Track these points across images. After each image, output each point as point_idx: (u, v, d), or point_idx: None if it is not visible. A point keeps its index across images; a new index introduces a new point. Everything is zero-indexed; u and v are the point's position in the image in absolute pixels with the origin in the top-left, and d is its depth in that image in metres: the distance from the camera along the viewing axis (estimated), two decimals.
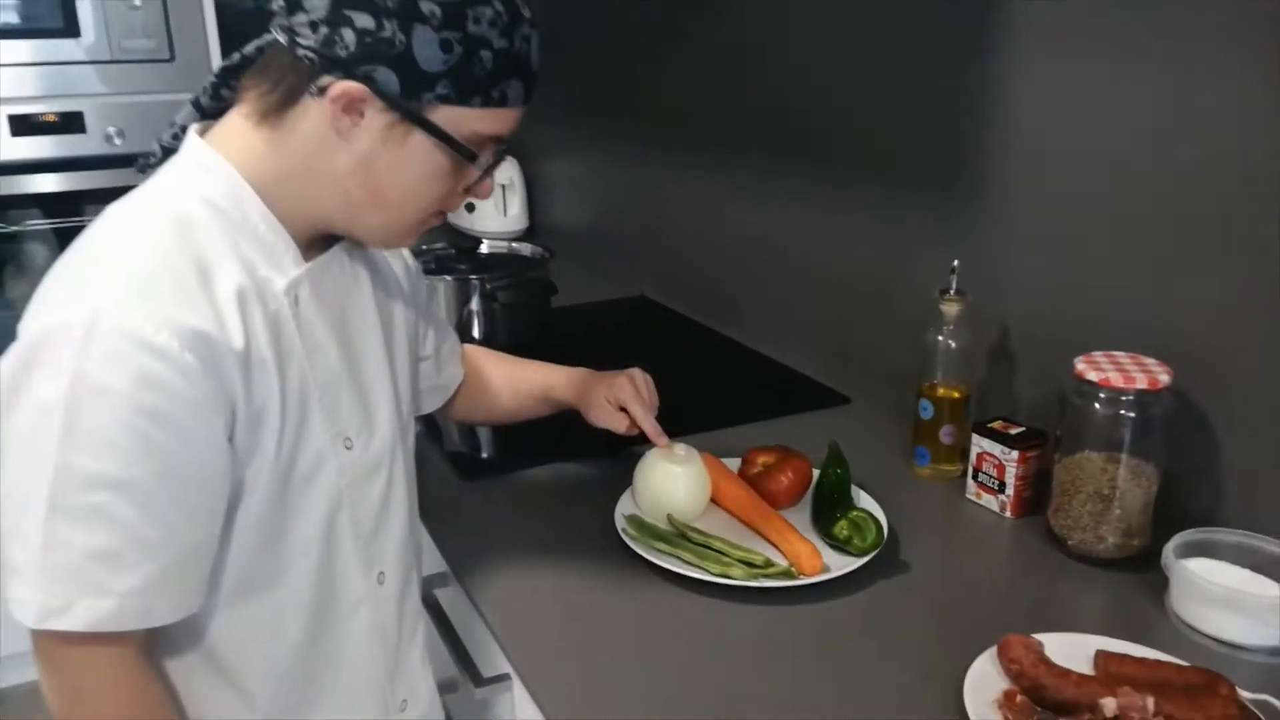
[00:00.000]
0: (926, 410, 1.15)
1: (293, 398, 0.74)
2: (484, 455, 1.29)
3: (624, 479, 1.09)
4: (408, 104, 0.71)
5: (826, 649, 0.86)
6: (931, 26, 1.22)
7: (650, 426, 1.05)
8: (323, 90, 0.70)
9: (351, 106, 0.70)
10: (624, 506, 1.06)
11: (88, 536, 0.66)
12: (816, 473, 1.09)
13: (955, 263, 1.11)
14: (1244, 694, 0.74)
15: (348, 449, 0.80)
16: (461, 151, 0.73)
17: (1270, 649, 0.84)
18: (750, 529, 1.04)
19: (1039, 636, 0.81)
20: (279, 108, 0.72)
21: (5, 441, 0.67)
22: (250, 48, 0.75)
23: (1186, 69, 0.94)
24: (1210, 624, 0.86)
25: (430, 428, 1.28)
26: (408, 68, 0.69)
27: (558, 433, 1.16)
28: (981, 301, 1.14)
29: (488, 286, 1.46)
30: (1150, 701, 0.71)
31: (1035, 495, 1.06)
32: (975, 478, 1.10)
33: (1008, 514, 1.07)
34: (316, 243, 0.80)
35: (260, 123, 0.74)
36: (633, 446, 1.12)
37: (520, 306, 1.50)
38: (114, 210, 0.73)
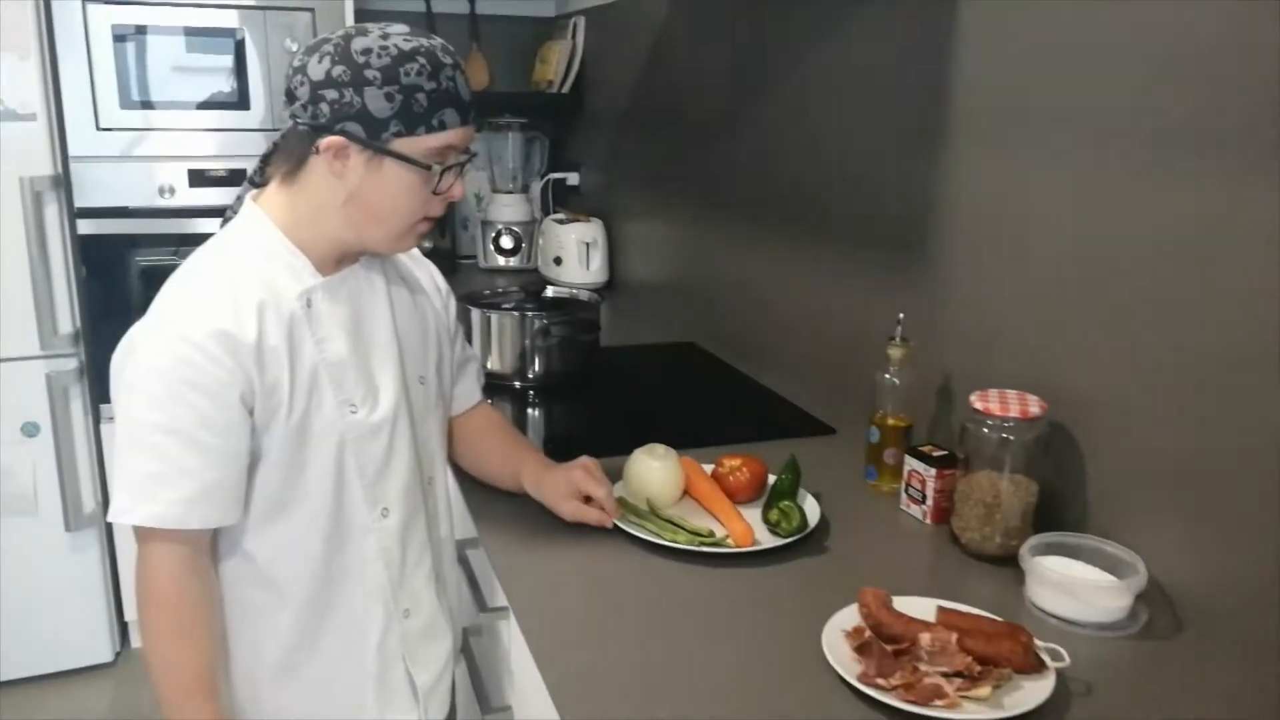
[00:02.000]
0: (874, 436, 1.39)
1: (303, 374, 1.04)
2: None
3: (617, 473, 1.37)
4: (374, 143, 1.00)
5: (744, 600, 1.11)
6: (900, 126, 1.49)
7: (611, 507, 1.26)
8: (319, 148, 1.00)
9: (339, 154, 1.00)
10: (616, 491, 1.33)
11: (145, 463, 0.99)
12: (773, 477, 1.35)
13: (900, 315, 1.37)
14: (1040, 643, 0.96)
15: (353, 413, 1.08)
16: (421, 165, 1.02)
17: (1098, 625, 1.05)
18: (709, 513, 1.30)
19: (904, 598, 1.05)
20: (295, 170, 1.04)
21: (114, 408, 1.02)
22: (277, 138, 1.06)
23: (1075, 172, 1.18)
24: (1053, 605, 1.08)
25: None
26: (367, 118, 0.99)
27: (570, 437, 1.44)
28: (925, 348, 1.39)
29: (542, 322, 1.78)
30: (954, 637, 0.94)
31: (949, 506, 1.28)
32: (906, 491, 1.33)
33: (928, 520, 1.30)
34: (343, 263, 1.10)
35: (284, 184, 1.06)
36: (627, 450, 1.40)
37: (569, 341, 1.81)
38: (193, 254, 1.07)
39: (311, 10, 2.45)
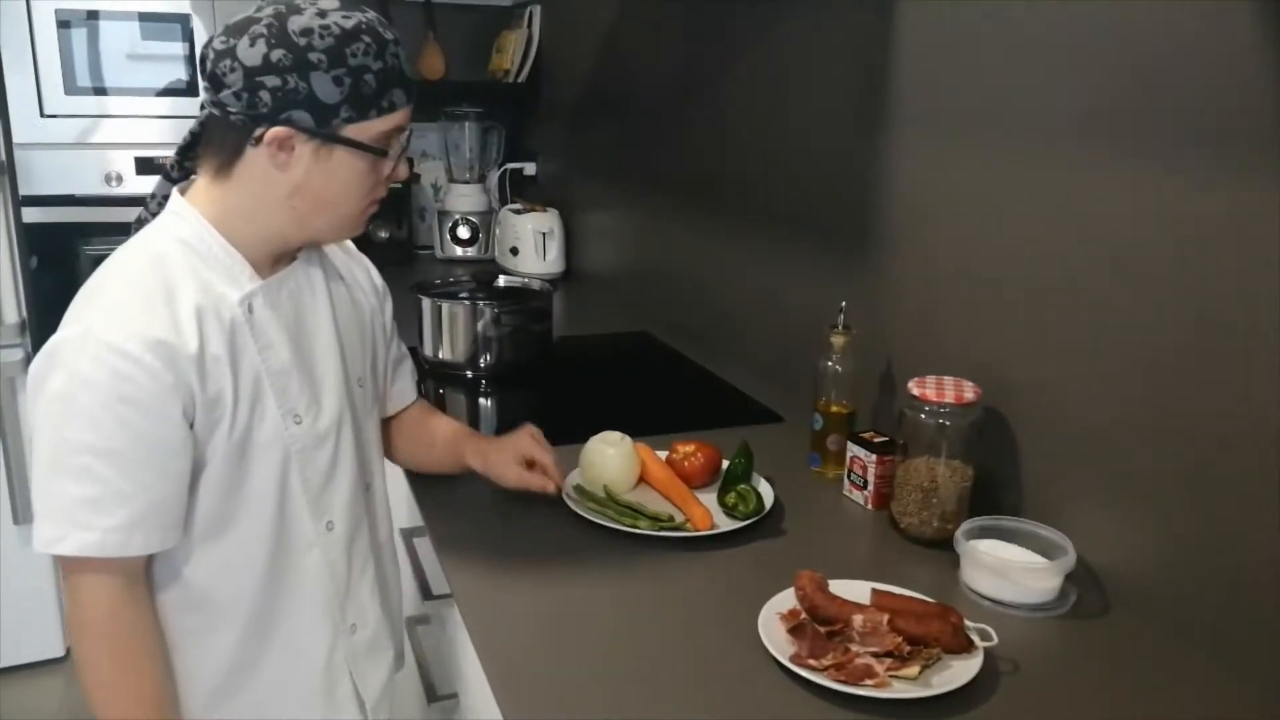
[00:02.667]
0: (818, 423, 1.41)
1: (246, 384, 0.97)
2: None
3: (573, 460, 1.37)
4: (323, 131, 0.93)
5: (701, 582, 1.13)
6: (842, 116, 1.51)
7: (556, 473, 1.26)
8: (259, 140, 0.93)
9: (283, 145, 0.93)
10: (571, 479, 1.34)
11: (77, 488, 0.90)
12: (726, 462, 1.37)
13: (843, 303, 1.38)
14: (970, 624, 0.98)
15: (297, 424, 1.02)
16: (374, 152, 0.97)
17: (1029, 605, 1.08)
18: (666, 499, 1.31)
19: (842, 580, 1.07)
20: (229, 163, 0.96)
21: (34, 424, 0.93)
22: (194, 126, 0.98)
23: (1010, 164, 1.20)
24: (986, 587, 1.10)
25: None
26: (315, 105, 0.92)
27: (539, 422, 1.42)
28: (868, 335, 1.41)
29: (493, 310, 1.78)
30: (885, 617, 0.96)
31: (890, 492, 1.30)
32: (849, 477, 1.35)
33: (869, 506, 1.32)
34: (280, 261, 1.04)
35: (215, 178, 0.98)
36: (582, 437, 1.40)
37: (521, 330, 1.81)
38: (114, 253, 0.99)
39: None
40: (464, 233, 3.01)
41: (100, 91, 2.36)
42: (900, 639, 0.95)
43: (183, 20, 2.37)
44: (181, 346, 0.92)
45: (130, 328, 0.90)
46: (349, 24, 0.94)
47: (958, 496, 1.20)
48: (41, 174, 2.33)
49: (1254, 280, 0.93)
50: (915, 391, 1.21)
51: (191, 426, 0.95)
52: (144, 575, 0.99)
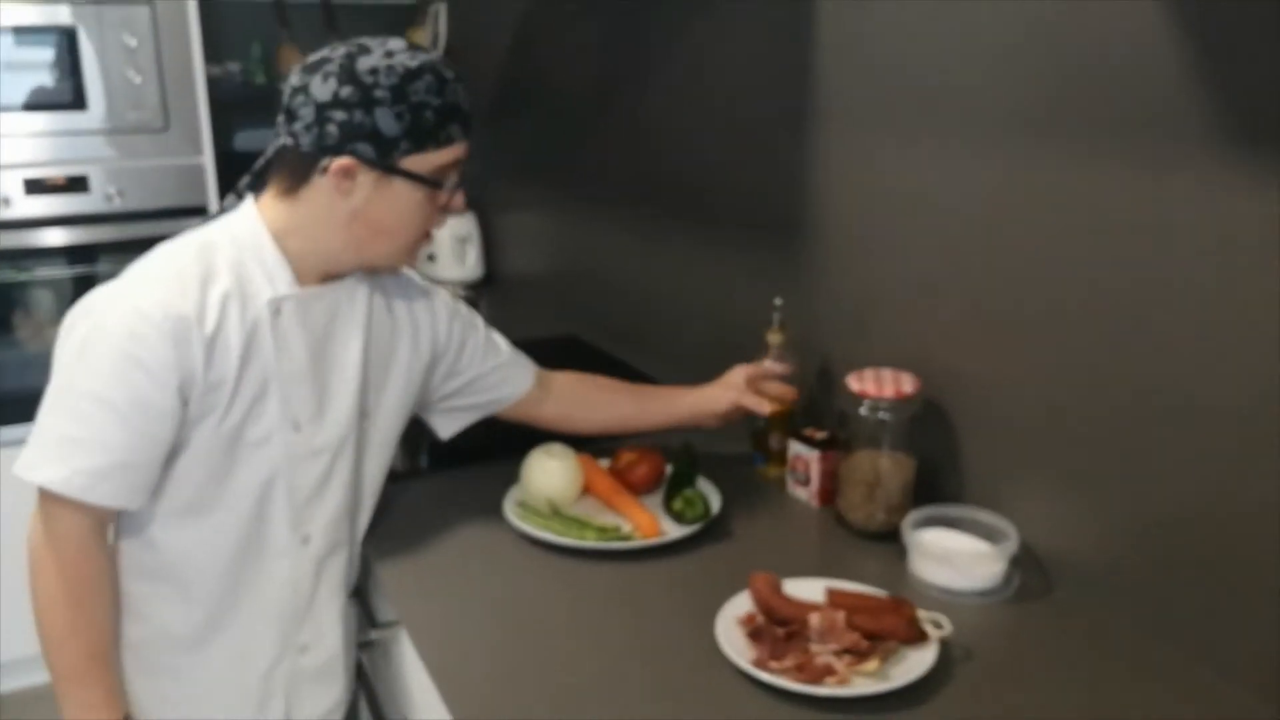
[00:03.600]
0: (760, 422, 1.42)
1: (252, 379, 1.02)
2: (419, 463, 1.53)
3: (514, 476, 1.34)
4: (385, 162, 1.00)
5: (652, 591, 1.12)
6: (768, 112, 1.51)
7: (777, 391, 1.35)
8: (325, 169, 1.00)
9: (347, 175, 1.00)
10: (513, 495, 1.32)
11: (67, 426, 0.97)
12: (670, 467, 1.36)
13: (777, 301, 1.39)
14: (922, 613, 0.99)
15: (296, 431, 1.06)
16: (431, 183, 1.03)
17: (976, 591, 1.10)
18: (612, 509, 1.30)
19: (795, 579, 1.07)
20: (295, 187, 1.03)
21: (54, 363, 0.99)
22: (269, 153, 1.06)
23: (938, 155, 1.22)
24: (934, 576, 1.12)
25: None
26: (378, 138, 0.99)
27: (455, 441, 1.40)
28: (805, 332, 1.42)
29: None
30: (842, 615, 0.97)
31: (835, 488, 1.31)
32: (792, 475, 1.36)
33: (815, 502, 1.33)
34: (329, 278, 1.09)
35: (282, 197, 1.05)
36: (520, 453, 1.38)
37: None
38: (183, 234, 1.06)
39: (150, 3, 2.31)
40: None
41: None
42: (858, 635, 0.96)
43: (67, 33, 2.24)
44: (198, 325, 0.98)
45: (156, 296, 0.97)
46: (413, 63, 1.00)
47: (902, 488, 1.22)
48: None
49: (1175, 266, 0.96)
50: (855, 386, 1.22)
51: (186, 404, 0.99)
52: (107, 528, 1.05)
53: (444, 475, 1.45)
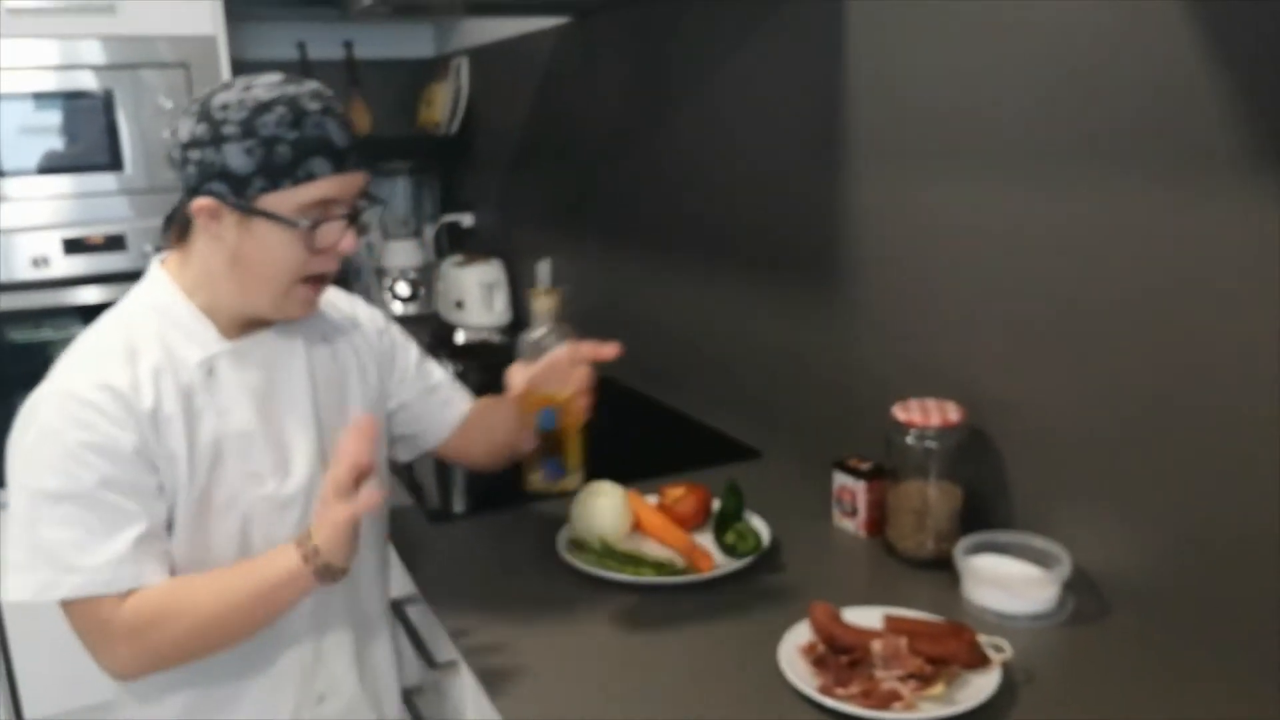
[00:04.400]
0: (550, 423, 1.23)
1: (203, 444, 1.00)
2: (452, 504, 1.57)
3: (564, 515, 1.36)
4: (241, 201, 0.96)
5: (710, 624, 1.13)
6: (801, 149, 1.55)
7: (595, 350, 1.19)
8: (193, 212, 0.97)
9: (212, 216, 0.97)
10: (564, 534, 1.34)
11: (57, 533, 0.93)
12: (718, 501, 1.38)
13: (545, 259, 1.32)
14: (982, 638, 1.00)
15: (260, 486, 1.04)
16: (290, 223, 0.97)
17: (1030, 615, 1.11)
18: (662, 544, 1.31)
19: (851, 608, 1.09)
20: (183, 233, 1.03)
21: (8, 482, 0.96)
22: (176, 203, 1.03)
23: (979, 188, 1.25)
24: (988, 600, 1.13)
25: (413, 491, 1.57)
26: (229, 176, 0.95)
27: (498, 480, 1.42)
28: (842, 363, 1.44)
29: (459, 369, 1.77)
30: (904, 641, 0.98)
31: (882, 517, 1.33)
32: (837, 505, 1.38)
33: (861, 533, 1.34)
34: (256, 326, 1.05)
35: (178, 250, 1.04)
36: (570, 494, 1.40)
37: (485, 385, 1.80)
38: (98, 320, 1.04)
39: (186, 66, 2.38)
40: (403, 290, 2.98)
41: (21, 173, 2.28)
42: (921, 660, 0.97)
43: (104, 97, 2.31)
44: (137, 401, 0.96)
45: (88, 377, 0.96)
46: (268, 96, 0.96)
47: (950, 516, 1.24)
48: None
49: (1218, 289, 0.98)
50: (901, 416, 1.24)
51: (157, 472, 0.98)
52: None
53: (483, 518, 1.47)
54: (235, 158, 0.95)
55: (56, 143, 2.30)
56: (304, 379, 1.10)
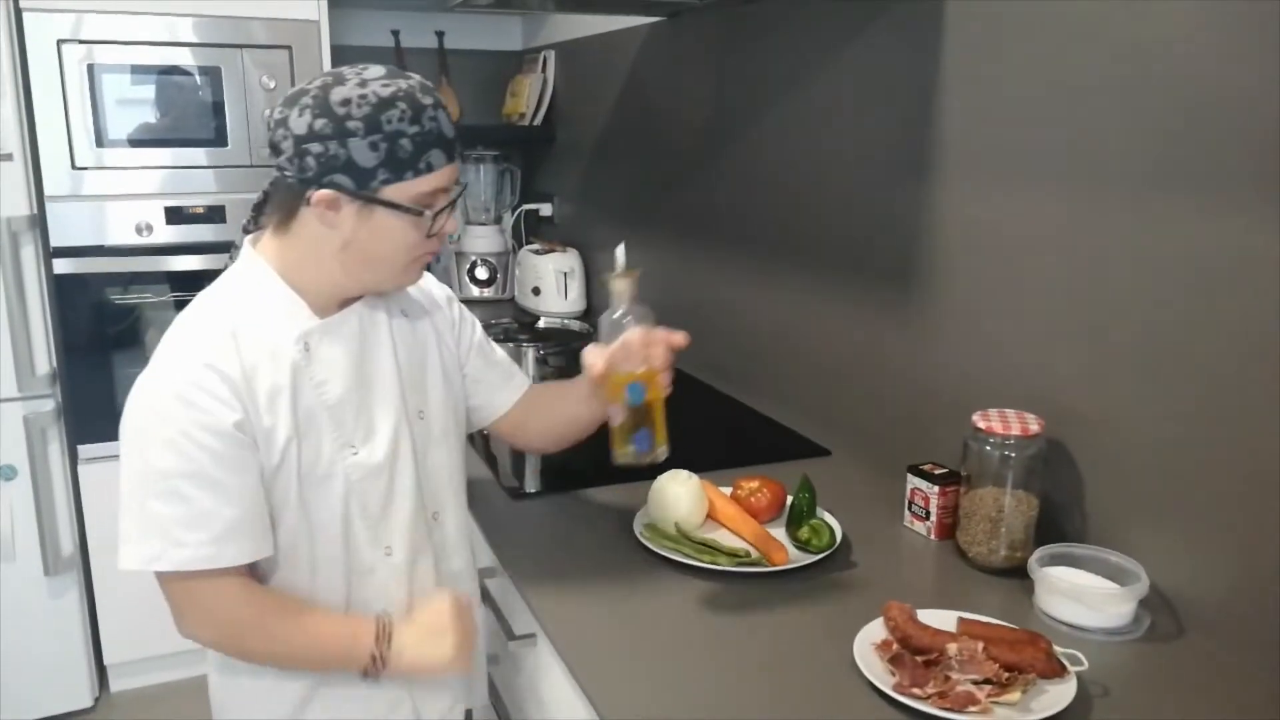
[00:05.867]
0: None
1: (303, 416, 1.05)
2: (529, 484, 1.61)
3: (641, 499, 1.41)
4: (363, 193, 1.00)
5: (784, 616, 1.16)
6: (888, 157, 1.56)
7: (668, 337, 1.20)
8: (309, 201, 1.01)
9: (330, 206, 1.01)
10: (640, 519, 1.38)
11: (167, 509, 0.99)
12: (791, 497, 1.40)
13: (621, 243, 1.29)
14: (1058, 649, 1.02)
15: (354, 454, 1.09)
16: (411, 212, 1.03)
17: (1105, 630, 1.12)
18: (737, 534, 1.35)
19: (924, 610, 1.11)
20: (287, 220, 1.05)
21: (121, 455, 1.02)
22: (265, 187, 1.09)
23: (1065, 203, 1.26)
24: (1062, 612, 1.14)
25: (490, 464, 1.62)
26: (354, 169, 0.99)
27: (591, 464, 1.47)
28: (918, 369, 1.45)
29: (540, 352, 1.82)
30: (980, 646, 1.00)
31: (953, 522, 1.34)
32: (909, 508, 1.39)
33: (932, 536, 1.36)
34: (345, 303, 1.10)
35: (277, 232, 1.07)
36: (649, 478, 1.43)
37: (565, 370, 1.85)
38: (195, 299, 1.09)
39: (289, 48, 2.46)
40: (482, 274, 3.05)
41: (130, 143, 2.38)
42: (997, 665, 0.98)
43: (213, 73, 2.41)
44: (240, 380, 1.01)
45: (194, 359, 1.00)
46: (386, 91, 1.00)
47: (1024, 525, 1.25)
48: (72, 226, 2.35)
49: None
50: (980, 424, 1.25)
51: (257, 449, 1.02)
52: (250, 575, 1.07)
53: (558, 497, 1.52)
54: (360, 152, 0.99)
55: (161, 116, 2.40)
56: (389, 351, 1.15)
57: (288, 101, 1.02)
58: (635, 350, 1.19)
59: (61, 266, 2.35)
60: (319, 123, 0.99)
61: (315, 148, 0.99)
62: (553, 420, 1.36)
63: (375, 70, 1.02)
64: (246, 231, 1.14)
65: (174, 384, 0.99)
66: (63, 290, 2.35)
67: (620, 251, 1.27)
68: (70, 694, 2.49)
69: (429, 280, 1.29)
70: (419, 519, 1.17)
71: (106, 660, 2.56)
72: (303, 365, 1.06)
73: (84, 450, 2.42)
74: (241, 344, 1.02)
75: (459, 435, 1.27)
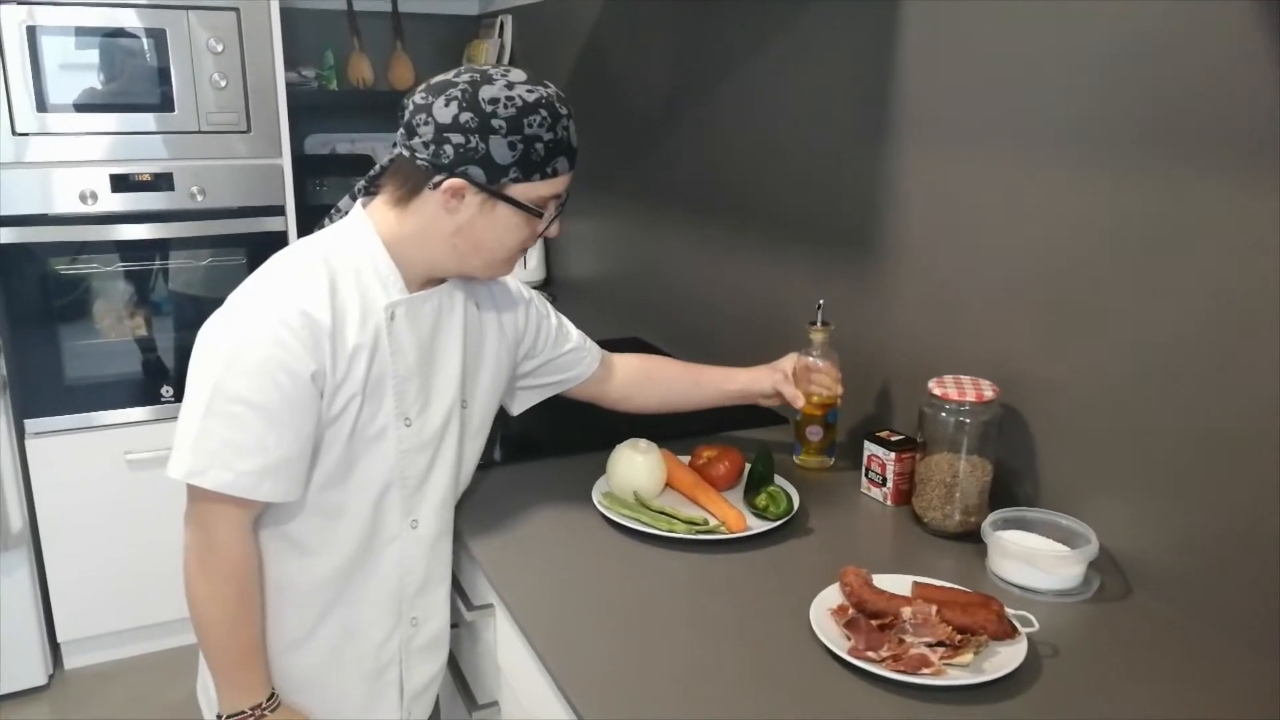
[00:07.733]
0: (798, 414, 1.48)
1: (373, 378, 1.10)
2: (492, 452, 1.60)
3: (601, 469, 1.40)
4: (492, 187, 1.07)
5: (740, 582, 1.16)
6: (845, 125, 1.56)
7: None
8: (437, 185, 1.06)
9: (456, 194, 1.07)
10: (599, 487, 1.38)
11: (226, 431, 1.02)
12: (749, 464, 1.41)
13: (820, 301, 1.45)
14: (1009, 610, 1.03)
15: (407, 426, 1.14)
16: (533, 211, 1.10)
17: (1056, 591, 1.14)
18: (694, 502, 1.35)
19: (880, 575, 1.12)
20: (407, 197, 1.10)
21: (193, 371, 1.05)
22: (384, 161, 1.13)
23: (1021, 170, 1.27)
24: (1014, 575, 1.16)
25: None
26: (489, 164, 1.05)
27: (551, 433, 1.47)
28: (874, 336, 1.46)
29: None
30: (934, 609, 1.01)
31: (909, 488, 1.36)
32: (866, 474, 1.40)
33: (889, 502, 1.38)
34: (431, 282, 1.16)
35: (394, 205, 1.11)
36: (608, 448, 1.44)
37: None
38: (302, 241, 1.13)
39: (236, 10, 2.39)
40: None
41: (75, 108, 2.31)
42: (950, 628, 1.00)
43: (159, 35, 2.34)
44: (332, 330, 1.05)
45: (296, 304, 1.04)
46: (530, 97, 1.06)
47: (979, 490, 1.26)
48: (15, 193, 2.28)
49: (1258, 282, 1.00)
50: (936, 391, 1.26)
51: (322, 398, 1.07)
52: (255, 528, 1.11)
53: (519, 467, 1.51)
54: (499, 149, 1.05)
55: (107, 81, 2.33)
56: (458, 337, 1.20)
57: (432, 90, 1.07)
58: (829, 385, 1.44)
59: (4, 236, 2.28)
60: (465, 115, 1.04)
61: (456, 138, 1.04)
62: (668, 396, 1.51)
63: (519, 74, 1.08)
64: (352, 198, 1.18)
65: (268, 318, 1.03)
66: (7, 260, 2.29)
67: (820, 307, 1.47)
68: (24, 672, 2.45)
69: (515, 280, 1.36)
70: (449, 501, 1.23)
71: (60, 637, 2.52)
72: (385, 332, 1.10)
73: (31, 424, 2.37)
74: (337, 296, 1.07)
75: (487, 433, 1.32)
